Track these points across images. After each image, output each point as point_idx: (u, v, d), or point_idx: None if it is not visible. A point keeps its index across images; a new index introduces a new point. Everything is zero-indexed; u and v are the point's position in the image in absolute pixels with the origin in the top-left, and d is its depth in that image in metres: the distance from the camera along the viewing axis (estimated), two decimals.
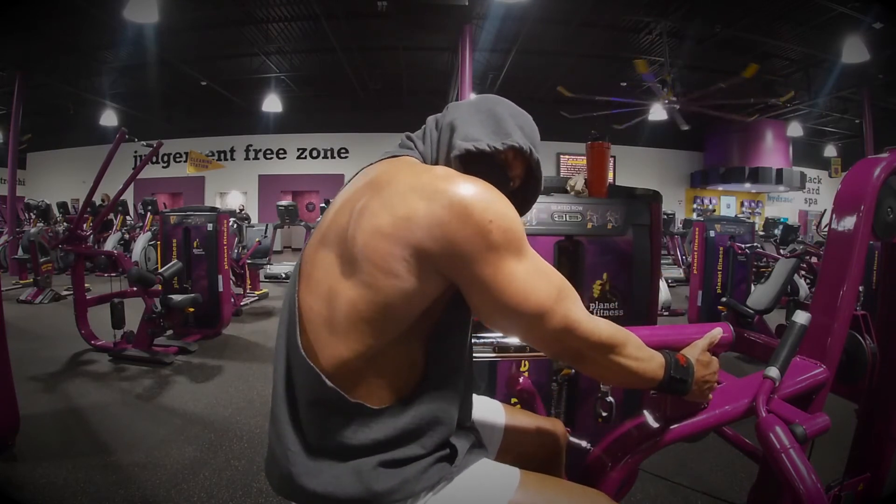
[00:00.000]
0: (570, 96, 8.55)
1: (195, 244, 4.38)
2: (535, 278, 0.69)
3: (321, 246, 0.74)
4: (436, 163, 0.80)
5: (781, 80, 10.06)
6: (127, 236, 8.12)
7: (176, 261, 4.03)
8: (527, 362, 1.66)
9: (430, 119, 0.84)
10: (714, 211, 13.95)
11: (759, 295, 3.63)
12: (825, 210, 9.60)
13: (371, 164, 0.80)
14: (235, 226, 5.91)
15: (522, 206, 0.86)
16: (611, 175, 2.47)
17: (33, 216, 8.14)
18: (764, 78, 9.35)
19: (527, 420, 1.03)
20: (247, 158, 13.68)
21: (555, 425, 1.04)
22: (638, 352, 0.77)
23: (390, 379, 0.72)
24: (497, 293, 0.67)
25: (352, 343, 0.69)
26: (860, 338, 1.06)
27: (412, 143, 0.82)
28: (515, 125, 0.79)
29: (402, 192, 0.67)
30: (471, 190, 0.67)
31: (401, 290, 0.66)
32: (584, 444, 1.05)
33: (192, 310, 3.84)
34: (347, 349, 0.69)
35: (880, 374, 1.11)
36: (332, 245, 0.72)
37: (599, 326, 0.73)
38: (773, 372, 0.88)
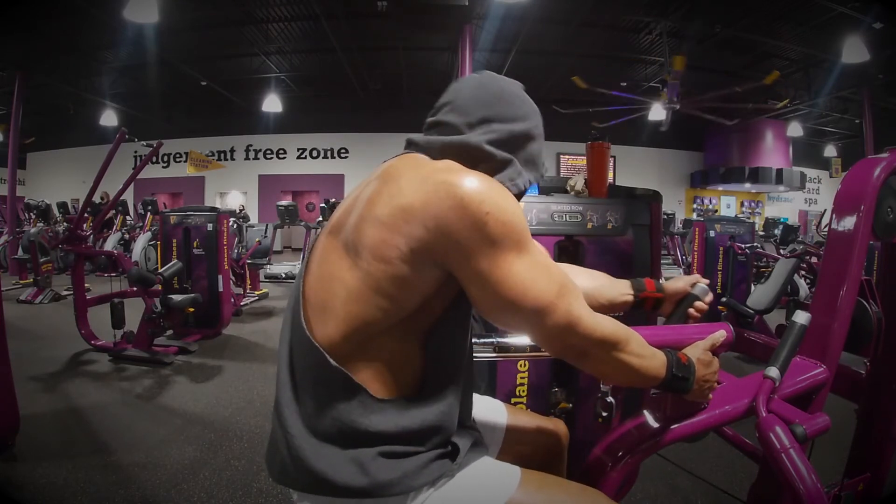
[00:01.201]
0: (585, 87, 8.49)
1: (195, 244, 4.38)
2: (535, 273, 0.68)
3: (328, 235, 0.76)
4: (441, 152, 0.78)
5: (781, 81, 10.05)
6: (127, 236, 8.11)
7: (176, 261, 4.02)
8: (527, 362, 1.66)
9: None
10: (715, 211, 13.96)
11: (759, 295, 3.63)
12: (825, 210, 9.60)
13: (385, 161, 0.81)
14: (235, 226, 5.91)
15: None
16: (611, 175, 2.47)
17: (33, 216, 8.14)
18: (763, 78, 9.36)
19: (528, 420, 1.03)
20: (247, 158, 13.69)
21: (557, 425, 1.04)
22: (640, 349, 0.77)
23: (388, 372, 0.72)
24: (495, 287, 0.67)
25: (341, 324, 0.70)
26: (865, 303, 1.06)
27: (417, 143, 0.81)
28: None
29: (401, 184, 0.68)
30: (469, 182, 0.66)
31: (391, 276, 0.67)
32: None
33: (192, 310, 3.85)
34: (337, 329, 0.70)
35: (882, 371, 1.11)
36: (337, 233, 0.74)
37: (602, 323, 0.73)
38: (773, 372, 0.88)
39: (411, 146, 0.80)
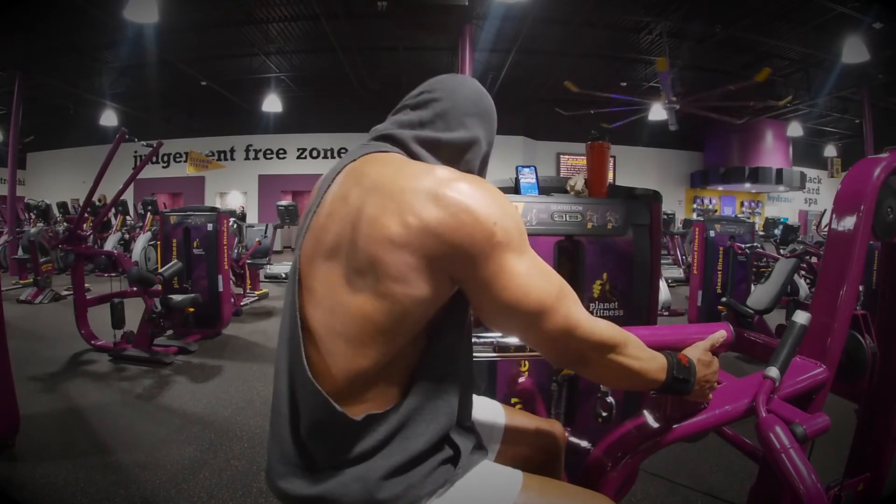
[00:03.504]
0: (577, 91, 8.50)
1: (195, 244, 4.38)
2: (535, 276, 0.69)
3: (319, 255, 0.72)
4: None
5: (781, 80, 10.06)
6: (127, 236, 8.12)
7: (176, 261, 4.03)
8: (527, 362, 1.66)
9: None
10: (716, 211, 13.96)
11: (759, 295, 3.63)
12: (825, 210, 9.61)
13: (353, 160, 0.77)
14: (235, 226, 5.91)
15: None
16: (611, 175, 2.47)
17: (33, 216, 8.15)
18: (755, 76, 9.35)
19: (526, 421, 1.02)
20: (247, 158, 13.68)
21: (553, 426, 1.04)
22: (639, 352, 0.77)
23: (390, 384, 0.72)
24: (499, 290, 0.67)
25: (371, 353, 0.68)
26: (860, 337, 1.06)
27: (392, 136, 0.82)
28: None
29: (407, 199, 0.66)
30: (476, 192, 0.67)
31: (416, 299, 0.66)
32: (583, 444, 1.05)
33: (192, 310, 3.84)
34: (367, 359, 0.68)
35: (880, 374, 1.11)
36: (333, 255, 0.70)
37: (600, 327, 0.73)
38: (773, 372, 0.88)
39: (393, 141, 0.80)
